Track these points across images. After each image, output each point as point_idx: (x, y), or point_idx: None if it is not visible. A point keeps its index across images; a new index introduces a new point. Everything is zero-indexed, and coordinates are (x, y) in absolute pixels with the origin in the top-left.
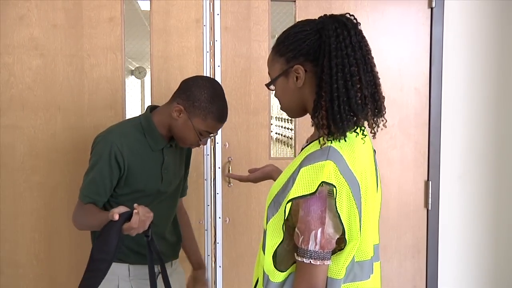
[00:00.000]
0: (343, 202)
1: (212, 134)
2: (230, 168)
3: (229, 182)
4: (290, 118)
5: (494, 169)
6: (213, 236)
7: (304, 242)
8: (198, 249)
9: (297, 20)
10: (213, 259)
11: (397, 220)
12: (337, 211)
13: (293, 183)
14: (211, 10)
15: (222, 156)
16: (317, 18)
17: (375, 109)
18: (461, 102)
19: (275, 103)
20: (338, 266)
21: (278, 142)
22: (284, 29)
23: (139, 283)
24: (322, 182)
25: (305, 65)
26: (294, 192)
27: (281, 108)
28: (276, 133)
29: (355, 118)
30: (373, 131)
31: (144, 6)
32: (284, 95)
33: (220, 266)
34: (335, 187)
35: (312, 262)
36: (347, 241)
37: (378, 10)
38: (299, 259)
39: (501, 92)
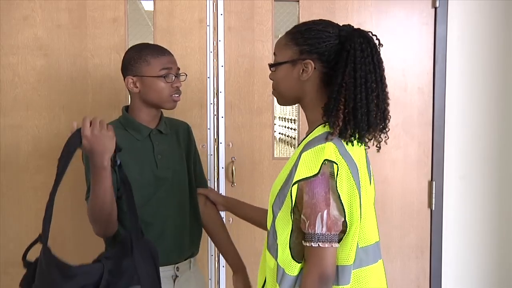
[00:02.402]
0: (343, 182)
1: (171, 69)
2: (234, 168)
3: (233, 182)
4: (293, 118)
5: (497, 169)
6: None
7: (310, 226)
8: (234, 249)
9: (301, 20)
10: (216, 259)
11: (400, 220)
12: (337, 191)
13: (296, 170)
14: (214, 10)
15: (225, 156)
16: (339, 24)
17: (382, 125)
18: (465, 102)
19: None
20: (346, 252)
21: (282, 142)
22: (288, 29)
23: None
24: (325, 160)
25: (316, 63)
26: (298, 175)
27: (273, 92)
28: (279, 133)
29: (369, 130)
30: (378, 146)
31: (148, 6)
32: (283, 81)
33: (223, 266)
34: (337, 164)
35: (320, 245)
36: (348, 224)
37: (382, 10)
38: (307, 244)
39: (505, 92)
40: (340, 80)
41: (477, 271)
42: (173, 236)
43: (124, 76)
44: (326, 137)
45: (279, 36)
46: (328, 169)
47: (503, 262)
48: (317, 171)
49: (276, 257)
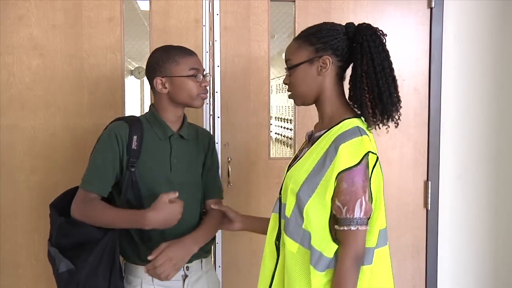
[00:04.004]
0: (375, 172)
1: (199, 70)
2: (230, 169)
3: (229, 182)
4: (289, 118)
5: (493, 169)
6: None
7: (349, 211)
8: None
9: (297, 20)
10: (212, 258)
11: (396, 220)
12: (370, 179)
13: (331, 160)
14: (210, 10)
15: (221, 156)
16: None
17: (399, 104)
18: (461, 102)
19: (274, 103)
20: (371, 235)
21: (278, 142)
22: (284, 29)
23: None
24: (369, 152)
25: (332, 58)
26: (341, 166)
27: (290, 95)
28: (275, 133)
29: (394, 110)
30: (396, 123)
31: (144, 6)
32: (303, 81)
33: (219, 266)
34: (376, 155)
35: (359, 228)
36: (374, 209)
37: (378, 10)
38: (345, 228)
39: (500, 92)
40: (360, 71)
41: (473, 271)
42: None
43: (151, 77)
44: (359, 130)
45: (275, 36)
46: (366, 160)
47: (499, 262)
48: (358, 161)
49: (304, 242)
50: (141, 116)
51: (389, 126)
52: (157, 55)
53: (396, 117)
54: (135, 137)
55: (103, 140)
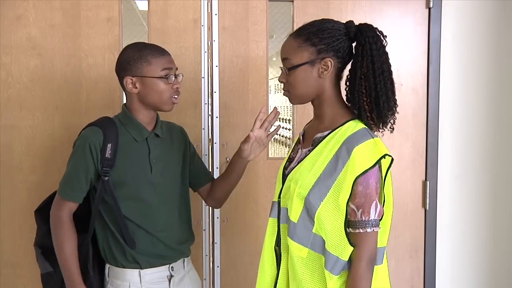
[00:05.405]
0: (388, 175)
1: (172, 70)
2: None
3: None
4: (288, 118)
5: (492, 168)
6: (211, 236)
7: (364, 213)
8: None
9: (295, 20)
10: (211, 259)
11: (395, 220)
12: (383, 181)
13: (344, 163)
14: (209, 10)
15: (220, 156)
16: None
17: (395, 108)
18: (459, 102)
19: (273, 103)
20: (383, 234)
21: (276, 142)
22: (283, 29)
23: None
24: (385, 154)
25: (333, 60)
26: (358, 169)
27: (286, 94)
28: None
29: (390, 116)
30: (391, 128)
31: (142, 6)
32: (303, 82)
33: (218, 266)
34: (391, 157)
35: (374, 229)
36: (385, 210)
37: (376, 10)
38: (361, 230)
39: (498, 92)
40: (360, 74)
41: (471, 270)
42: (163, 238)
43: (121, 76)
44: (369, 132)
45: (273, 36)
46: (379, 162)
47: (497, 262)
48: (374, 164)
49: (315, 246)
50: (114, 117)
51: (384, 130)
52: (128, 53)
53: (391, 121)
54: (109, 145)
55: (77, 149)
